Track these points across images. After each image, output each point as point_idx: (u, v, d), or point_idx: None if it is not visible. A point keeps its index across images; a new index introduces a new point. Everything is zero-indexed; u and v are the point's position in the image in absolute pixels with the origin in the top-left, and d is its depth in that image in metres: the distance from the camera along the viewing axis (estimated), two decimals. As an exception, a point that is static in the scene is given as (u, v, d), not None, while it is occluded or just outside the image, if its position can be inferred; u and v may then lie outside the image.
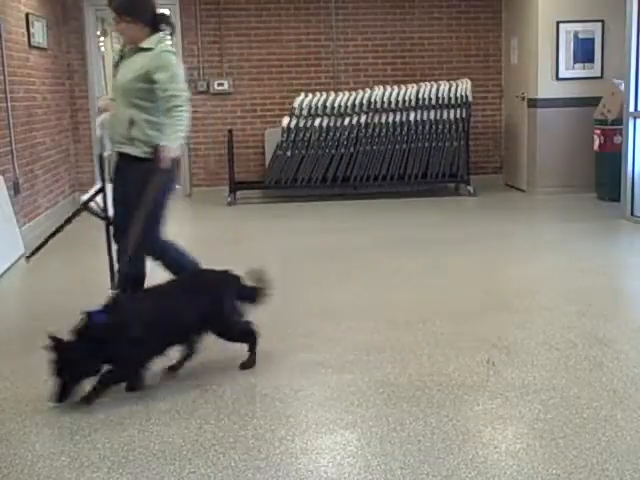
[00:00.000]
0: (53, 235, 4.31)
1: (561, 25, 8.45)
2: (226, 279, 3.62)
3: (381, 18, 9.37)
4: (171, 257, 4.10)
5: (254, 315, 4.47)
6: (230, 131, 8.92)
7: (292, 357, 3.73)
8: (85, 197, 4.36)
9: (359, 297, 4.80)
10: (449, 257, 5.85)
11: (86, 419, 3.07)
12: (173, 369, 3.53)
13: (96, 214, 4.25)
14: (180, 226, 8.22)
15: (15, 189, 6.70)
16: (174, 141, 3.81)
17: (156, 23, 3.95)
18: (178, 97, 3.81)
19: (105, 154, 4.33)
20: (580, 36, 8.51)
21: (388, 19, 9.39)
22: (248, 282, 3.64)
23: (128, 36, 3.96)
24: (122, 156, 4.02)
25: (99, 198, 4.22)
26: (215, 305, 3.48)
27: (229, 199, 8.71)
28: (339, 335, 4.05)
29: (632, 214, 7.02)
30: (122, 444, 2.86)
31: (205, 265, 5.09)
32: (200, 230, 7.67)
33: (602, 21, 8.44)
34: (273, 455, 2.74)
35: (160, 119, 3.87)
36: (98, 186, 4.29)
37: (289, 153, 8.68)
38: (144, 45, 3.89)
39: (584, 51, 8.53)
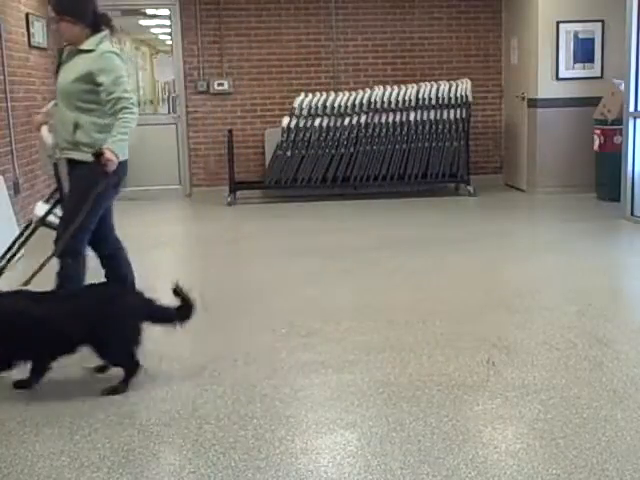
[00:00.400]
0: (10, 260, 4.08)
1: (561, 25, 8.45)
2: (126, 300, 3.46)
3: (381, 18, 9.37)
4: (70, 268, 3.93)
5: (256, 315, 4.48)
6: (230, 131, 8.92)
7: (292, 357, 3.73)
8: (40, 212, 4.05)
9: (359, 297, 4.80)
10: (449, 257, 5.85)
11: (86, 419, 3.07)
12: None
13: (55, 228, 4.02)
14: (180, 226, 8.23)
15: (15, 189, 6.71)
16: (118, 143, 3.67)
17: (97, 24, 3.81)
18: (126, 99, 3.68)
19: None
20: (580, 36, 8.51)
21: (388, 19, 9.39)
22: (165, 302, 3.49)
23: (68, 36, 3.83)
24: (69, 163, 3.90)
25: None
26: (99, 322, 3.29)
27: (229, 199, 8.71)
28: (339, 335, 4.05)
29: (632, 214, 7.02)
30: (122, 444, 2.86)
31: (206, 266, 5.10)
32: (200, 230, 7.67)
33: (602, 21, 8.43)
34: (273, 455, 2.74)
35: (107, 121, 3.75)
36: (40, 205, 4.09)
37: (289, 153, 8.68)
38: (85, 47, 3.76)
39: (584, 51, 8.53)
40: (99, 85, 3.70)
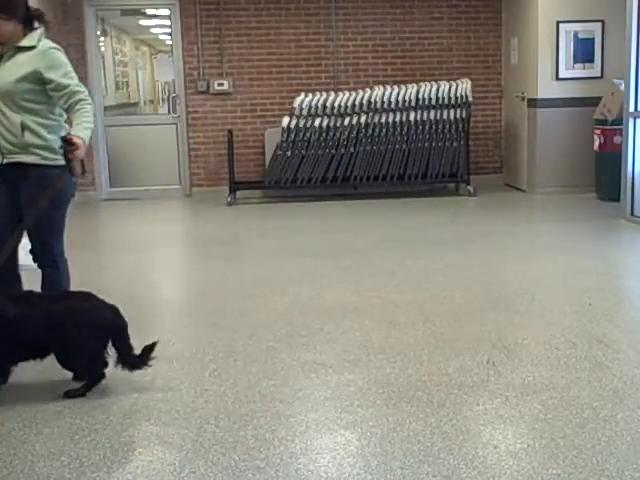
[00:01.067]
0: None
1: (561, 25, 8.45)
2: (101, 314, 3.34)
3: (381, 18, 9.37)
4: (56, 276, 3.83)
5: (256, 314, 4.47)
6: (230, 131, 8.92)
7: (292, 357, 3.73)
8: None
9: (359, 297, 4.80)
10: (449, 257, 5.85)
11: (86, 419, 3.07)
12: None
13: None
14: (180, 226, 8.23)
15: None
16: (84, 132, 3.50)
17: (30, 19, 3.64)
18: (81, 92, 3.58)
19: None
20: (580, 36, 8.51)
21: (388, 19, 9.38)
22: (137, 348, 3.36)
23: (2, 34, 3.61)
24: (13, 167, 3.65)
25: None
26: (64, 332, 3.22)
27: (229, 199, 8.71)
28: (339, 335, 4.05)
29: (632, 214, 7.02)
30: (122, 444, 2.86)
31: (207, 266, 5.04)
32: (200, 230, 7.67)
33: (602, 21, 8.44)
34: (273, 455, 2.74)
35: (54, 121, 3.65)
36: None
37: (289, 153, 8.68)
38: (24, 43, 3.60)
39: (584, 51, 8.53)
40: (49, 83, 3.56)
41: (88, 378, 3.34)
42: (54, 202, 3.63)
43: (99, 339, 3.31)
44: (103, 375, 3.35)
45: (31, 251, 3.78)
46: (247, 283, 5.26)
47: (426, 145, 8.75)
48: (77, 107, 3.56)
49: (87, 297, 3.44)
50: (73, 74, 3.65)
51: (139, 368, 3.32)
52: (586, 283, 4.98)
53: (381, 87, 8.82)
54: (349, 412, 3.08)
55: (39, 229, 3.68)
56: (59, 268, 3.81)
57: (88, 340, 3.28)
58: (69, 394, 3.28)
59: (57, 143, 3.63)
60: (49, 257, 3.76)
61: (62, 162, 3.65)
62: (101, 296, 3.42)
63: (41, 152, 3.62)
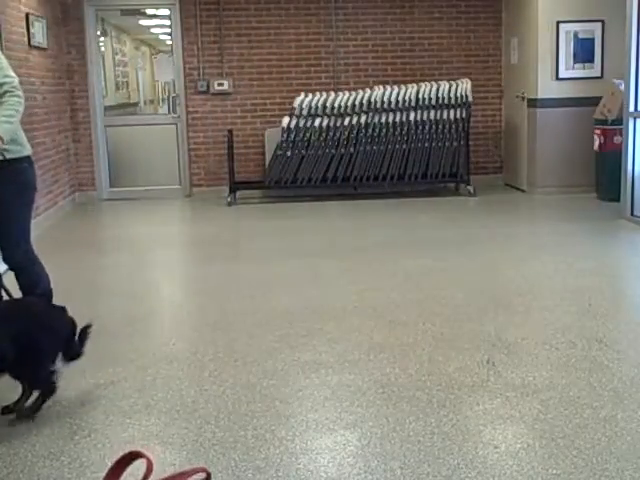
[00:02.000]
0: None
1: (561, 25, 8.45)
2: (53, 319, 3.18)
3: (381, 18, 9.37)
4: (36, 272, 3.82)
5: (256, 314, 4.47)
6: (230, 131, 8.92)
7: (292, 357, 3.73)
8: None
9: (359, 297, 4.80)
10: (449, 257, 5.85)
11: (86, 419, 3.08)
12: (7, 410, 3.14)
13: None
14: (180, 226, 8.23)
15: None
16: (3, 125, 3.44)
17: None
18: (8, 84, 3.53)
19: None
20: (580, 36, 8.51)
21: (388, 19, 9.38)
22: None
23: None
24: None
25: None
26: (22, 343, 2.99)
27: (229, 199, 8.71)
28: (339, 335, 4.05)
29: (632, 214, 7.02)
30: (122, 444, 2.86)
31: (209, 265, 5.03)
32: (200, 230, 7.67)
33: (602, 21, 8.43)
34: (273, 455, 2.74)
35: None
36: None
37: (289, 153, 8.68)
38: None
39: (584, 51, 8.53)
40: None
41: (44, 392, 3.14)
42: (19, 197, 3.62)
43: (55, 342, 3.14)
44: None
45: (3, 257, 3.77)
46: (247, 283, 5.26)
47: (426, 145, 8.75)
48: (3, 99, 3.51)
49: (37, 302, 3.37)
50: (4, 65, 3.59)
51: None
52: (586, 283, 4.98)
53: (381, 87, 8.82)
54: (349, 412, 3.08)
55: (10, 228, 3.68)
56: (35, 266, 3.81)
57: (46, 345, 3.11)
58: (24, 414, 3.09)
59: (15, 135, 3.56)
60: (24, 257, 3.76)
61: (27, 153, 3.66)
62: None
63: (7, 147, 3.54)
